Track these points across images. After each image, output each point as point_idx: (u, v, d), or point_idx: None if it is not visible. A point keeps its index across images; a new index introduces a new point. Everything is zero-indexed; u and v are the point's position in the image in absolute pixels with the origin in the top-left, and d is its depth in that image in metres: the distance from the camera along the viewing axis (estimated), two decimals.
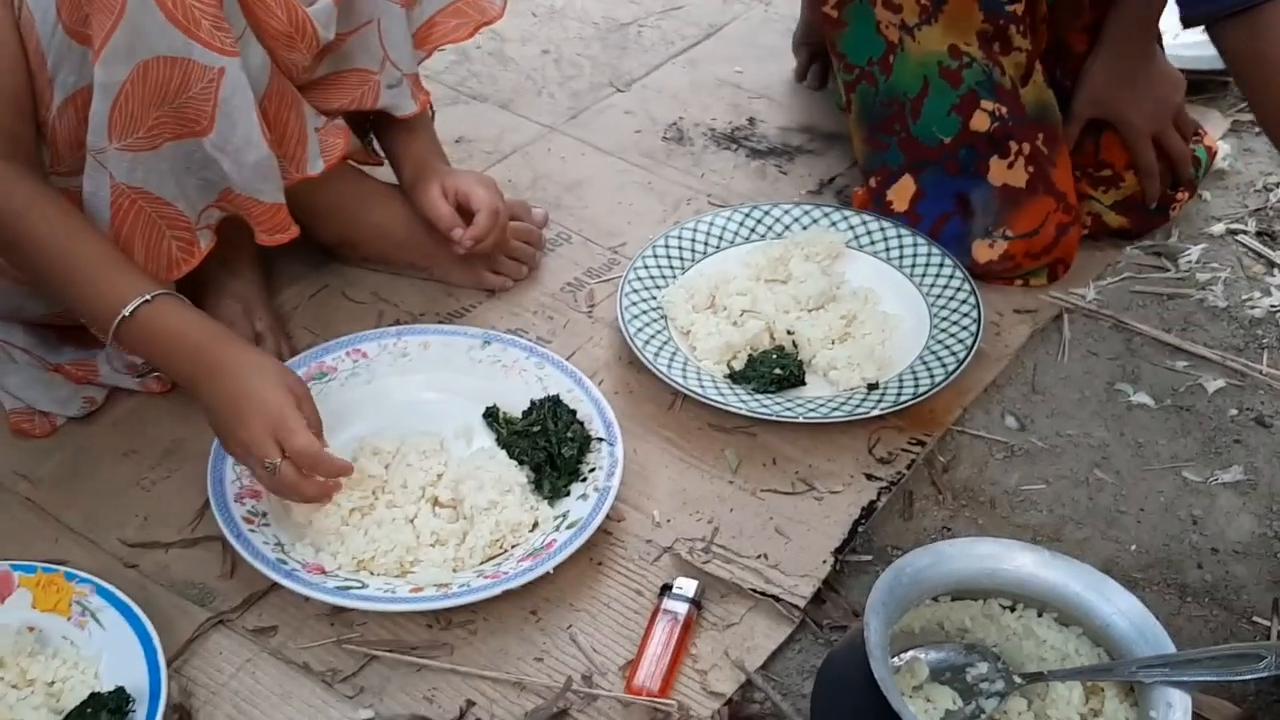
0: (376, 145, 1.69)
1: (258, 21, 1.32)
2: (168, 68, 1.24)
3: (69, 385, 1.49)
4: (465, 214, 1.60)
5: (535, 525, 1.37)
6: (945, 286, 1.63)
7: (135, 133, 1.28)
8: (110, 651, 1.23)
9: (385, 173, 1.71)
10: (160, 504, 1.41)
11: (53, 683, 1.21)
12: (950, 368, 1.51)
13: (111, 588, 1.27)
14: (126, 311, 1.28)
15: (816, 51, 2.10)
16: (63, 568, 1.29)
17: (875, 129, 1.75)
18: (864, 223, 1.71)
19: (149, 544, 1.37)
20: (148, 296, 1.29)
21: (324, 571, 1.31)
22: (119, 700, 1.16)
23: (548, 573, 1.30)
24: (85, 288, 1.30)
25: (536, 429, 1.43)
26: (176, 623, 1.29)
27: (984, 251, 1.68)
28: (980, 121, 1.66)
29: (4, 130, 1.29)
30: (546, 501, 1.39)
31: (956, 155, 1.68)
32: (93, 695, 1.17)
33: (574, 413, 1.45)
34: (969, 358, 1.52)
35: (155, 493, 1.42)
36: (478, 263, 1.66)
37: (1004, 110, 1.65)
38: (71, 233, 1.30)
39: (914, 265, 1.66)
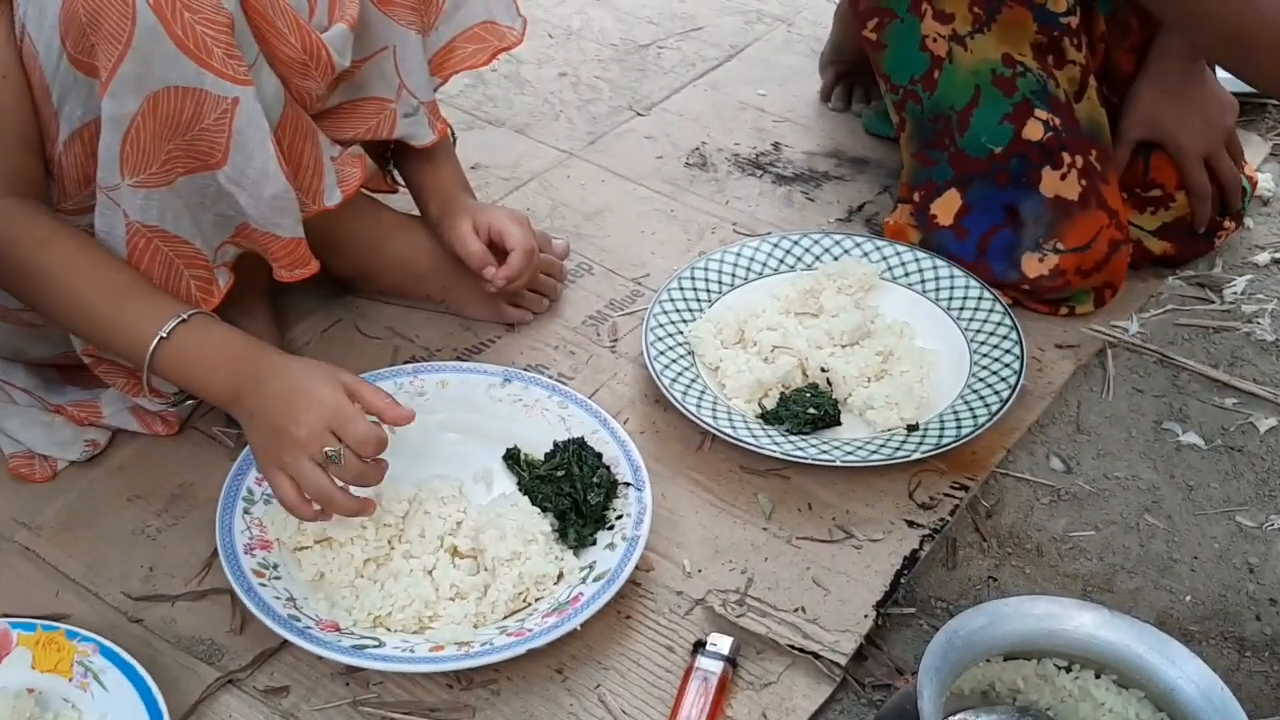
0: (395, 174, 1.63)
1: (270, 48, 1.26)
2: (179, 98, 1.18)
3: (71, 427, 1.43)
4: (496, 251, 1.54)
5: (560, 577, 1.30)
6: (985, 320, 1.56)
7: (149, 168, 1.22)
8: (114, 715, 1.16)
9: (400, 201, 1.65)
10: (166, 553, 1.34)
11: None
12: (994, 407, 1.44)
13: (115, 647, 1.20)
14: (164, 333, 1.22)
15: (843, 72, 2.05)
16: (63, 625, 1.22)
17: (926, 145, 1.69)
18: (897, 253, 1.65)
19: (154, 597, 1.30)
20: (183, 316, 1.23)
21: (338, 629, 1.24)
22: None
23: (574, 629, 1.23)
24: (112, 318, 1.25)
25: (561, 473, 1.36)
26: (183, 682, 1.22)
27: (1034, 265, 1.61)
28: (1034, 130, 1.61)
29: (10, 166, 1.23)
30: (571, 551, 1.32)
31: (1007, 165, 1.62)
32: None
33: (599, 456, 1.39)
34: (1013, 396, 1.45)
35: (161, 541, 1.36)
36: (497, 296, 1.60)
37: (1058, 121, 1.60)
38: (93, 264, 1.25)
39: (951, 298, 1.60)
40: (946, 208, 1.67)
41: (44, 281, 1.25)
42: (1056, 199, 1.60)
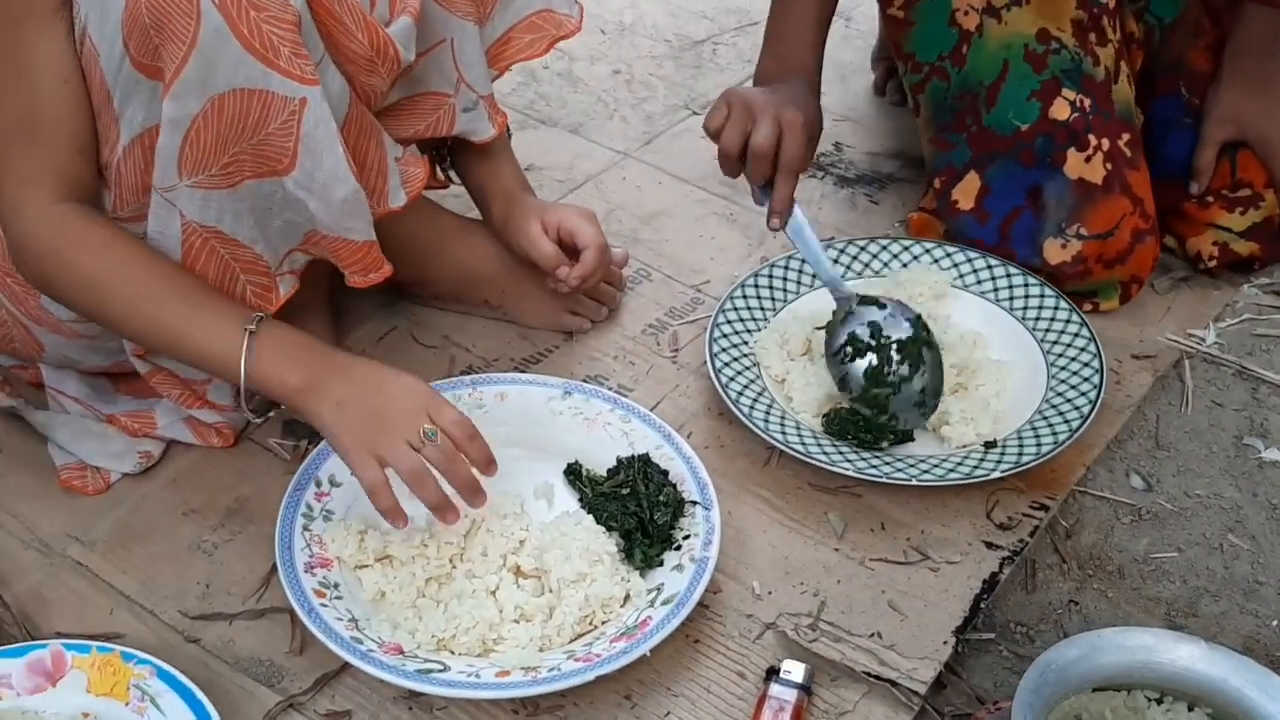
0: (451, 173, 1.59)
1: (336, 46, 1.21)
2: (244, 101, 1.14)
3: (123, 438, 1.40)
4: (567, 250, 1.50)
5: (626, 599, 1.26)
6: (1061, 332, 1.51)
7: (208, 169, 1.18)
8: None
9: (455, 200, 1.61)
10: (223, 570, 1.31)
11: None
12: (1075, 423, 1.39)
13: (172, 669, 1.17)
14: (245, 349, 1.20)
15: (895, 66, 2.00)
16: (119, 646, 1.19)
17: (944, 128, 1.66)
18: (969, 260, 1.59)
19: (212, 615, 1.27)
20: (251, 328, 1.21)
21: (402, 651, 1.20)
22: None
23: (643, 654, 1.19)
24: (183, 325, 1.22)
25: (625, 491, 1.32)
26: (242, 706, 1.19)
27: (1055, 251, 1.57)
28: (1060, 110, 1.57)
29: (64, 172, 1.20)
30: (638, 572, 1.28)
31: (1032, 144, 1.58)
32: None
33: (665, 473, 1.34)
34: (1094, 411, 1.40)
35: (218, 557, 1.32)
36: (555, 303, 1.56)
37: (1087, 103, 1.56)
38: (153, 269, 1.22)
39: (1025, 307, 1.54)
40: (967, 191, 1.62)
41: (103, 288, 1.22)
42: (1080, 181, 1.56)
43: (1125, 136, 1.58)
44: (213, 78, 1.12)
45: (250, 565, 1.31)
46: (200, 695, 1.15)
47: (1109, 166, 1.56)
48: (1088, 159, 1.56)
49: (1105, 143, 1.56)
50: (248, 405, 1.29)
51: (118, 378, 1.46)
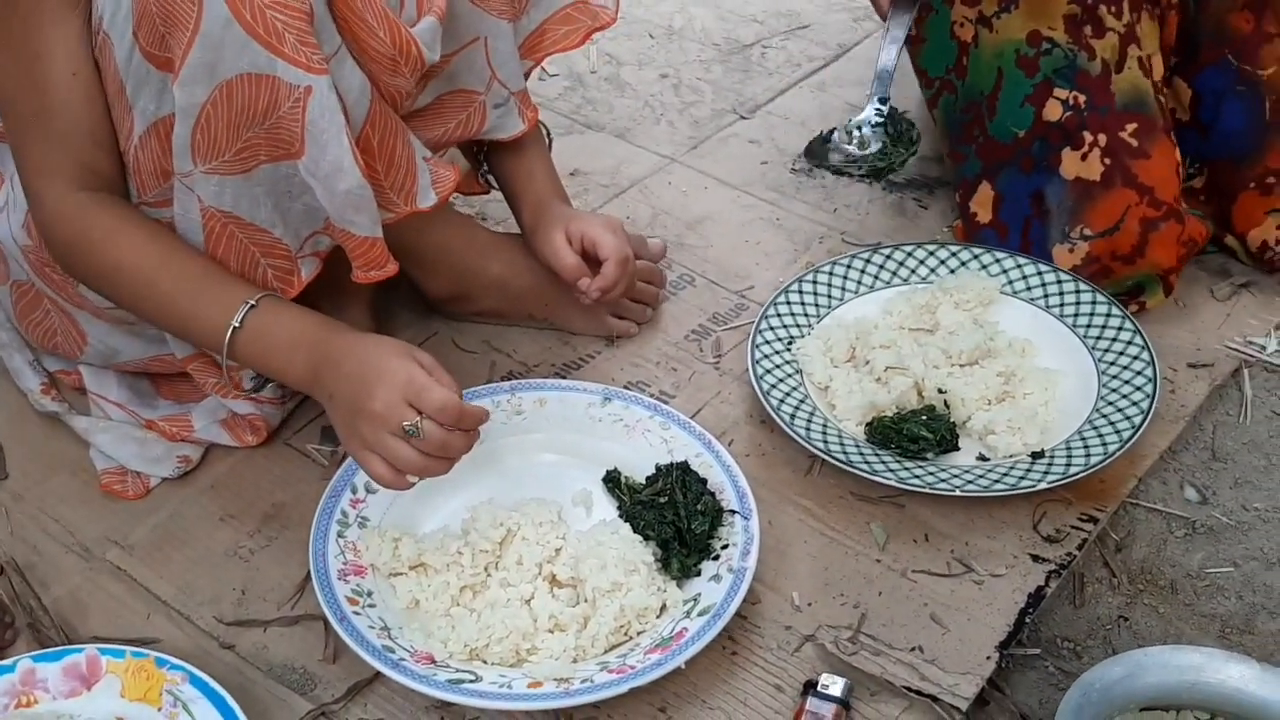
0: (490, 177, 1.58)
1: (357, 42, 1.20)
2: (253, 86, 1.14)
3: (163, 443, 1.40)
4: (590, 260, 1.48)
5: (663, 609, 1.25)
6: (1114, 339, 1.47)
7: (221, 155, 1.18)
8: None
9: (496, 208, 1.60)
10: (259, 576, 1.31)
11: None
12: (1125, 433, 1.35)
13: (205, 676, 1.16)
14: (236, 322, 1.21)
15: None
16: (153, 653, 1.19)
17: (957, 140, 1.66)
18: (1019, 265, 1.56)
19: (246, 622, 1.27)
20: (252, 302, 1.22)
21: (434, 661, 1.19)
22: None
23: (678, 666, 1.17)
24: (189, 308, 1.24)
25: (664, 499, 1.30)
26: (275, 714, 1.18)
27: (1065, 257, 1.54)
28: (1053, 111, 1.55)
29: (79, 161, 1.22)
30: (675, 582, 1.26)
31: (1030, 149, 1.56)
32: None
33: (704, 481, 1.32)
34: (1146, 421, 1.36)
35: (254, 563, 1.32)
36: (600, 308, 1.54)
37: (1081, 99, 1.54)
38: (165, 254, 1.24)
39: (1076, 314, 1.51)
40: (983, 203, 1.61)
41: (117, 274, 1.24)
42: (1077, 181, 1.53)
43: (1130, 126, 1.54)
44: (219, 64, 1.12)
45: (286, 571, 1.31)
46: (232, 702, 1.15)
47: (1107, 161, 1.53)
48: (1083, 156, 1.53)
49: (1102, 137, 1.53)
50: (247, 387, 1.31)
51: (159, 380, 1.46)
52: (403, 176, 1.29)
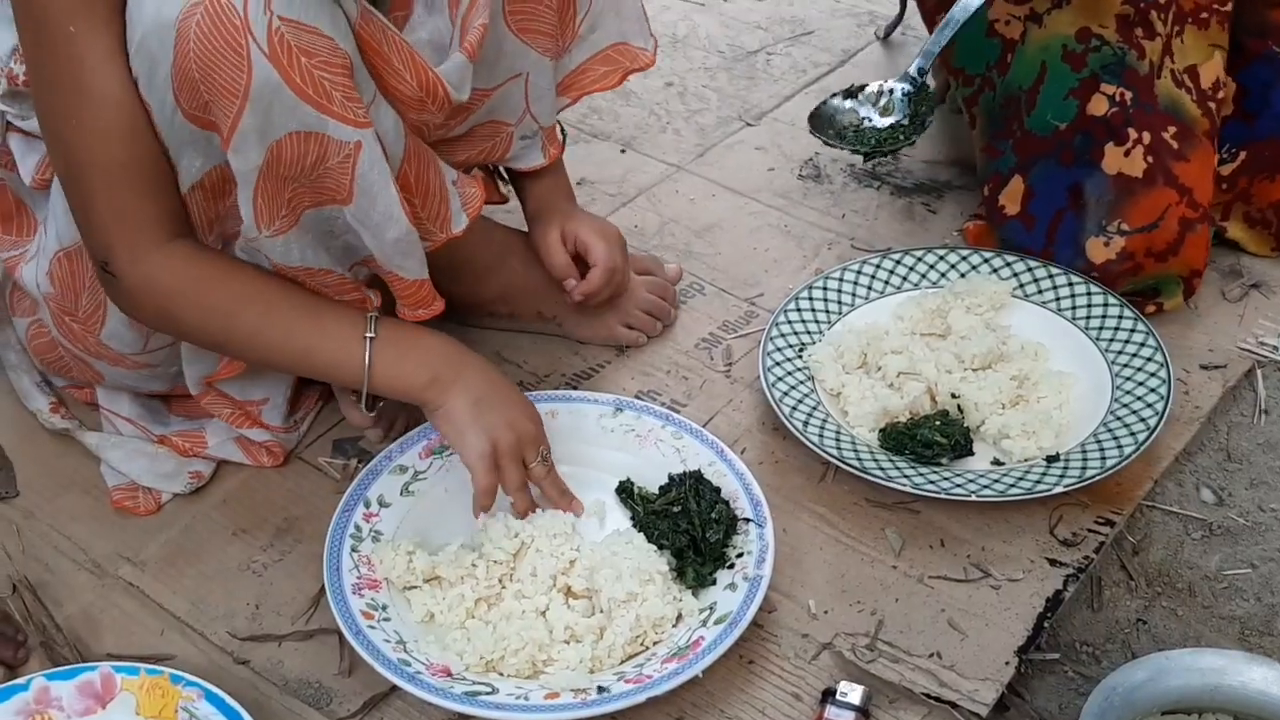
0: (504, 186, 1.57)
1: (385, 85, 1.20)
2: (303, 143, 1.12)
3: (174, 459, 1.40)
4: (583, 263, 1.49)
5: (679, 619, 1.24)
6: (1126, 341, 1.46)
7: (279, 213, 1.18)
8: None
9: (511, 216, 1.59)
10: (273, 590, 1.30)
11: None
12: (1141, 436, 1.34)
13: (220, 692, 1.16)
14: (370, 332, 1.25)
15: None
16: (168, 669, 1.18)
17: (995, 136, 1.66)
18: (1029, 269, 1.55)
19: (261, 636, 1.26)
20: (374, 314, 1.27)
21: (450, 674, 1.18)
22: None
23: (695, 676, 1.16)
24: (311, 330, 1.26)
25: (677, 509, 1.30)
26: None
27: (1099, 250, 1.53)
28: (1098, 105, 1.55)
29: (169, 209, 1.19)
30: (690, 592, 1.26)
31: (1071, 143, 1.56)
32: None
33: (718, 490, 1.32)
34: (1161, 424, 1.35)
35: (267, 577, 1.32)
36: (609, 317, 1.54)
37: (1128, 96, 1.54)
38: (278, 287, 1.25)
39: (1089, 316, 1.50)
40: (1012, 196, 1.61)
41: (235, 314, 1.23)
42: (1119, 176, 1.53)
43: (1171, 129, 1.54)
44: (269, 127, 1.10)
45: (299, 585, 1.30)
46: (248, 718, 1.14)
47: (1150, 160, 1.52)
48: (1126, 153, 1.53)
49: (1146, 135, 1.53)
50: (369, 409, 1.31)
51: (170, 398, 1.46)
52: (437, 205, 1.30)
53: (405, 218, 1.21)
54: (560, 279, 1.49)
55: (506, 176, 1.56)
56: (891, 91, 1.60)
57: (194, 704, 1.16)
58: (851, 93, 1.63)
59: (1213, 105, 1.59)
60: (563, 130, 1.55)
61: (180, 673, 1.18)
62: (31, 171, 1.31)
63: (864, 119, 1.61)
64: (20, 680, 1.17)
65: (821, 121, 1.63)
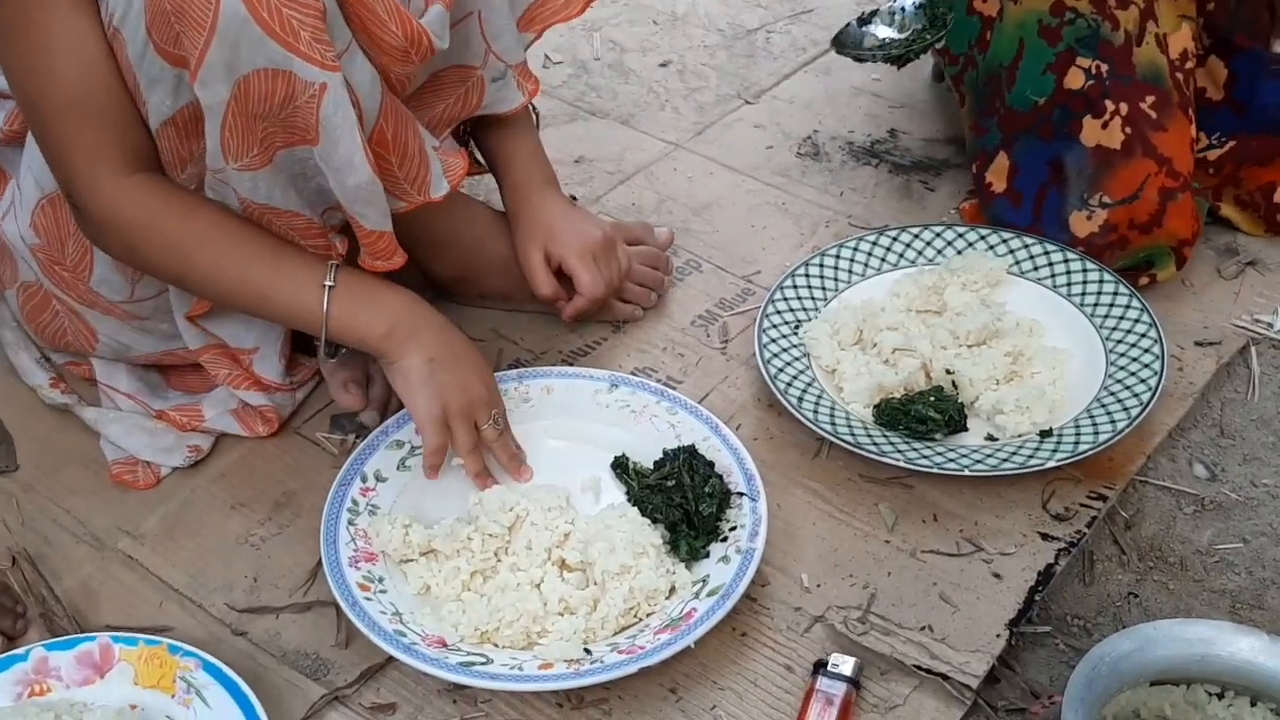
0: (478, 155, 1.56)
1: (368, 35, 1.20)
2: (270, 80, 1.13)
3: (173, 433, 1.41)
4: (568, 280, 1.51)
5: (672, 591, 1.25)
6: (1121, 318, 1.47)
7: (250, 151, 1.19)
8: None
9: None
10: (270, 563, 1.31)
11: None
12: (1134, 411, 1.35)
13: (218, 662, 1.17)
14: (329, 280, 1.27)
15: None
16: (166, 639, 1.20)
17: (981, 113, 1.67)
18: (1025, 246, 1.56)
19: (259, 609, 1.27)
20: (336, 262, 1.28)
21: (445, 645, 1.20)
22: None
23: (688, 646, 1.17)
24: (269, 274, 1.26)
25: (671, 483, 1.31)
26: (288, 699, 1.19)
27: (1082, 224, 1.54)
28: (1074, 79, 1.55)
29: (129, 144, 1.21)
30: (683, 564, 1.27)
31: (1050, 117, 1.57)
32: None
33: (711, 464, 1.32)
34: (1154, 399, 1.36)
35: (265, 550, 1.33)
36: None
37: (1103, 68, 1.55)
38: (240, 229, 1.26)
39: (1084, 293, 1.51)
40: (999, 173, 1.62)
41: (193, 251, 1.24)
42: (1098, 149, 1.54)
43: (1149, 99, 1.55)
44: (235, 61, 1.11)
45: (297, 558, 1.31)
46: (245, 688, 1.15)
47: (1128, 130, 1.53)
48: (1104, 125, 1.54)
49: (1124, 107, 1.53)
50: (328, 353, 1.33)
51: (168, 372, 1.47)
52: (415, 167, 1.30)
53: (368, 167, 1.21)
54: (547, 303, 1.51)
55: (482, 160, 1.56)
56: (903, 9, 1.63)
57: (192, 674, 1.17)
58: (865, 19, 1.67)
59: (1181, 76, 1.59)
60: (536, 112, 1.54)
61: (178, 643, 1.19)
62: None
63: (883, 40, 1.63)
64: (19, 650, 1.19)
65: (844, 48, 1.67)
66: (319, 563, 1.26)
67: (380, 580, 1.25)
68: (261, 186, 1.23)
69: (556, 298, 1.49)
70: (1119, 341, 1.45)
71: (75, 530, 1.34)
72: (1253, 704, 1.08)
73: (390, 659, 1.21)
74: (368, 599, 1.22)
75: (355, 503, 1.31)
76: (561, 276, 1.50)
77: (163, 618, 1.26)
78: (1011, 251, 1.56)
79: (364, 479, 1.33)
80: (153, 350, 1.43)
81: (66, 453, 1.42)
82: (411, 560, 1.27)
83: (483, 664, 1.18)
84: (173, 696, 1.16)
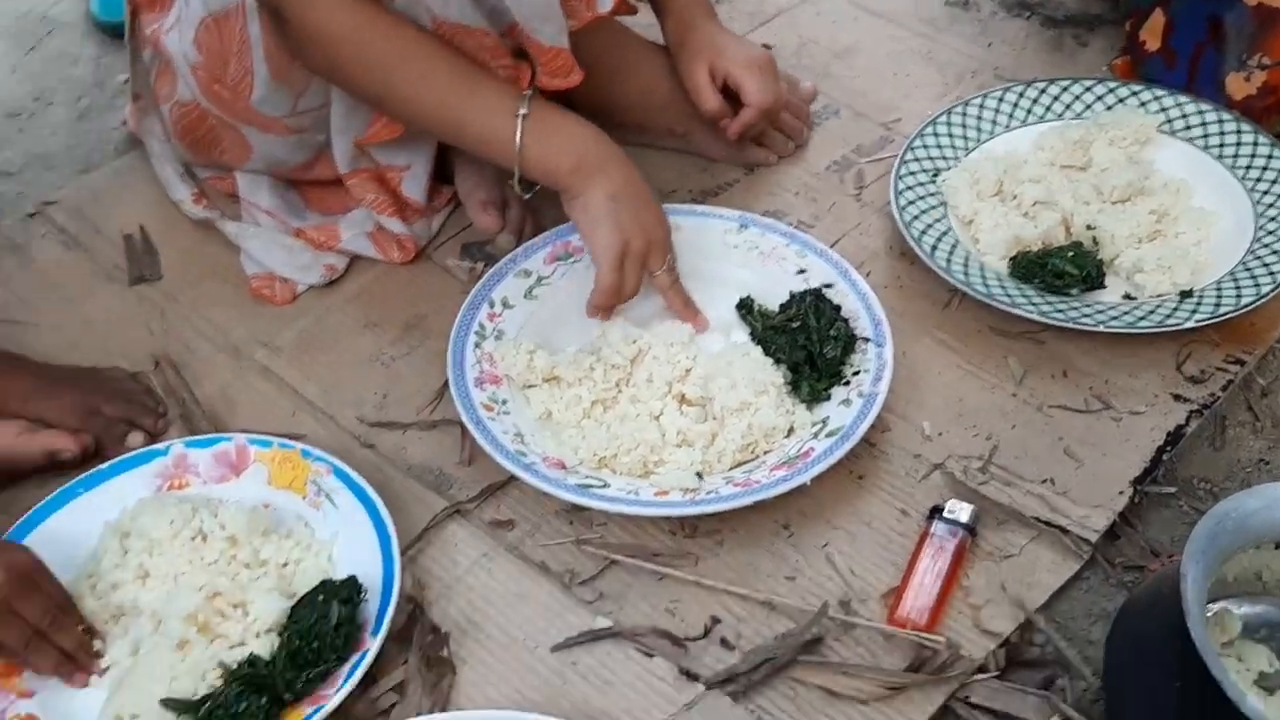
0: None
1: None
2: None
3: (310, 251, 1.44)
4: (734, 97, 1.47)
5: (791, 430, 1.25)
6: (1274, 181, 1.40)
7: None
8: (344, 535, 1.18)
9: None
10: (399, 381, 1.35)
11: (285, 564, 1.16)
12: (1279, 275, 1.30)
13: (348, 469, 1.21)
14: (524, 109, 1.25)
15: None
16: (299, 444, 1.24)
17: None
18: (1178, 104, 1.49)
19: (387, 424, 1.31)
20: (529, 92, 1.26)
21: (564, 467, 1.22)
22: (350, 590, 1.10)
23: (803, 485, 1.18)
24: (467, 95, 1.26)
25: (796, 325, 1.30)
26: (412, 509, 1.22)
27: (1239, 86, 1.48)
28: None
29: None
30: (804, 405, 1.27)
31: None
32: (324, 583, 1.11)
33: (838, 308, 1.31)
34: None
35: (395, 369, 1.36)
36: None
37: None
38: (438, 47, 1.25)
39: (1236, 155, 1.44)
40: (1153, 30, 1.56)
41: (395, 69, 1.24)
42: (1260, 6, 1.45)
43: None
44: None
45: (425, 379, 1.34)
46: (373, 494, 1.19)
47: None
48: None
49: None
50: (520, 187, 1.32)
51: (308, 191, 1.49)
52: None
53: None
54: (711, 119, 1.48)
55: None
56: None
57: (323, 478, 1.21)
58: None
59: None
60: None
61: (310, 448, 1.23)
62: None
63: None
64: (160, 445, 1.24)
65: None
66: (445, 384, 1.29)
67: (504, 402, 1.27)
68: (454, 2, 1.22)
69: (722, 114, 1.48)
70: (1270, 205, 1.39)
71: (215, 339, 1.39)
72: None
73: (511, 478, 1.24)
74: (491, 419, 1.24)
75: (483, 327, 1.33)
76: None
77: (295, 426, 1.31)
78: (1164, 109, 1.50)
79: (491, 304, 1.35)
80: (303, 161, 1.44)
81: (208, 265, 1.46)
82: (534, 386, 1.29)
83: (600, 487, 1.20)
84: (304, 498, 1.21)
